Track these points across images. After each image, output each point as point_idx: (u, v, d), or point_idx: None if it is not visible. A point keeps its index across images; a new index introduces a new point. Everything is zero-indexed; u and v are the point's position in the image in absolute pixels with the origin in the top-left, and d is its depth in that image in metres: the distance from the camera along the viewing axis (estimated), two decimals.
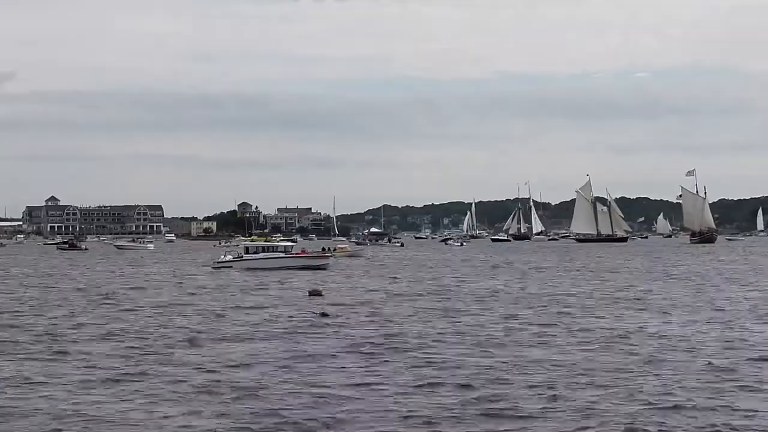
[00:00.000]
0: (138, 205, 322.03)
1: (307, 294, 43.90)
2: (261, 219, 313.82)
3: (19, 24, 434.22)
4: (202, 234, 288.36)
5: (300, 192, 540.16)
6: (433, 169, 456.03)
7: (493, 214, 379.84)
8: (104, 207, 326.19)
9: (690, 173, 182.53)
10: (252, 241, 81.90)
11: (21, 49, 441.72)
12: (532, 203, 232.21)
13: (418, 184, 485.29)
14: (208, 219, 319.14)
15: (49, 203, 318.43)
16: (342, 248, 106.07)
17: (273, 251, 71.05)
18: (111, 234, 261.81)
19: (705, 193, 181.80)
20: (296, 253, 71.54)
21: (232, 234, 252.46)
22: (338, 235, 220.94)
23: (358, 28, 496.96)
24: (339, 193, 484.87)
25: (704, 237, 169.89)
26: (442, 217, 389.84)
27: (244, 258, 70.30)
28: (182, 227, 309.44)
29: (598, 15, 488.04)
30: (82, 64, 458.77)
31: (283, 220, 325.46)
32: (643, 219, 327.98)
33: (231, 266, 69.16)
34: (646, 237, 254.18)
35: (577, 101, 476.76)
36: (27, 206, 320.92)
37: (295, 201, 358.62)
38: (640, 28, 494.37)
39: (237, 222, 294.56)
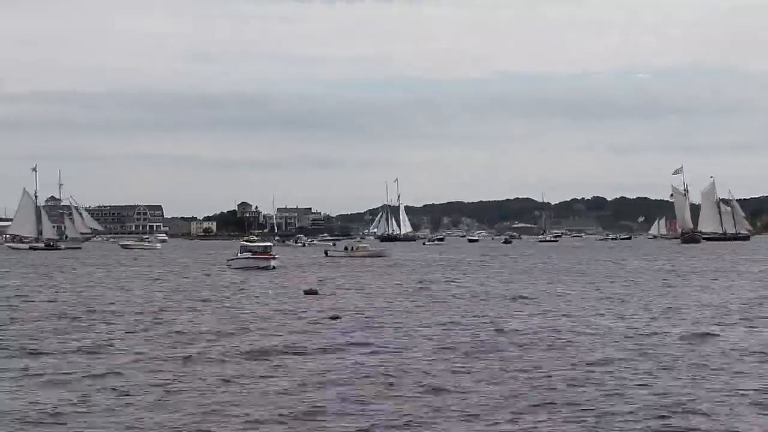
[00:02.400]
0: (138, 205, 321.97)
1: (303, 293, 44.07)
2: (261, 219, 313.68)
3: (19, 24, 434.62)
4: (202, 234, 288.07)
5: (300, 192, 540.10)
6: (433, 169, 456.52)
7: (493, 214, 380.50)
8: (104, 207, 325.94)
9: (677, 171, 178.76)
10: (246, 241, 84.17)
11: (21, 49, 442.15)
12: (400, 203, 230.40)
13: (418, 184, 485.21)
14: (208, 219, 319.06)
15: (49, 203, 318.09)
16: (363, 248, 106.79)
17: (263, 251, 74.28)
18: (110, 234, 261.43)
19: (686, 191, 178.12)
20: (257, 255, 72.77)
21: (232, 234, 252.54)
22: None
23: (358, 28, 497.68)
24: (339, 193, 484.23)
25: (686, 237, 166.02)
26: (441, 217, 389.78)
27: (235, 257, 74.17)
28: (182, 227, 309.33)
29: (598, 15, 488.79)
30: (82, 64, 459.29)
31: (283, 220, 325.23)
32: (643, 219, 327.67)
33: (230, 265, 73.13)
34: (629, 237, 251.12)
35: (577, 101, 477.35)
36: None
37: (295, 201, 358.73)
38: (640, 28, 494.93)
39: (237, 222, 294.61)
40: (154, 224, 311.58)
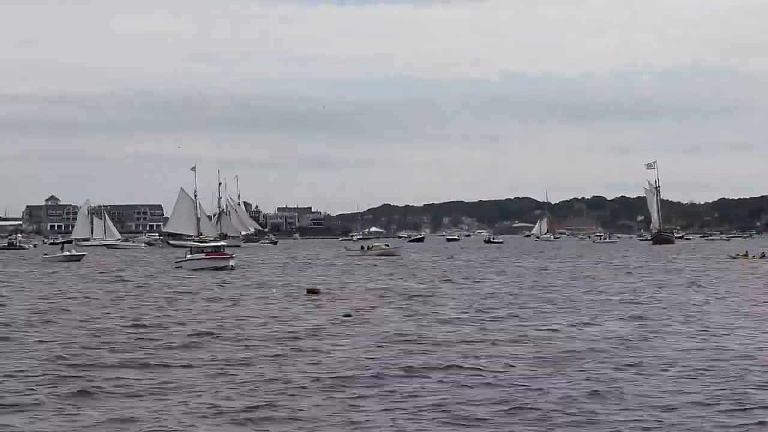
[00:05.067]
0: (138, 205, 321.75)
1: (306, 292, 44.14)
2: (261, 219, 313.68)
3: (19, 24, 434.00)
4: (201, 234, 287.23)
5: (300, 192, 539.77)
6: (433, 169, 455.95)
7: (493, 213, 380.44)
8: (104, 207, 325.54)
9: (650, 166, 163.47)
10: (201, 241, 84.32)
11: (21, 49, 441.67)
12: (241, 202, 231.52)
13: (418, 184, 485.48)
14: (208, 218, 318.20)
15: (49, 203, 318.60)
16: (377, 246, 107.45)
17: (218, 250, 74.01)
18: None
19: (657, 188, 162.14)
20: (212, 255, 71.99)
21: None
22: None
23: (358, 28, 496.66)
24: (339, 193, 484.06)
25: (657, 238, 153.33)
26: (442, 216, 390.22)
27: (185, 258, 72.85)
28: None
29: (598, 15, 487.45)
30: (82, 64, 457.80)
31: (283, 220, 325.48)
32: (643, 218, 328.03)
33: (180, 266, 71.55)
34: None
35: (577, 101, 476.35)
36: (27, 206, 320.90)
37: (295, 201, 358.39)
38: (640, 28, 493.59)
39: None
40: (155, 224, 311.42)
